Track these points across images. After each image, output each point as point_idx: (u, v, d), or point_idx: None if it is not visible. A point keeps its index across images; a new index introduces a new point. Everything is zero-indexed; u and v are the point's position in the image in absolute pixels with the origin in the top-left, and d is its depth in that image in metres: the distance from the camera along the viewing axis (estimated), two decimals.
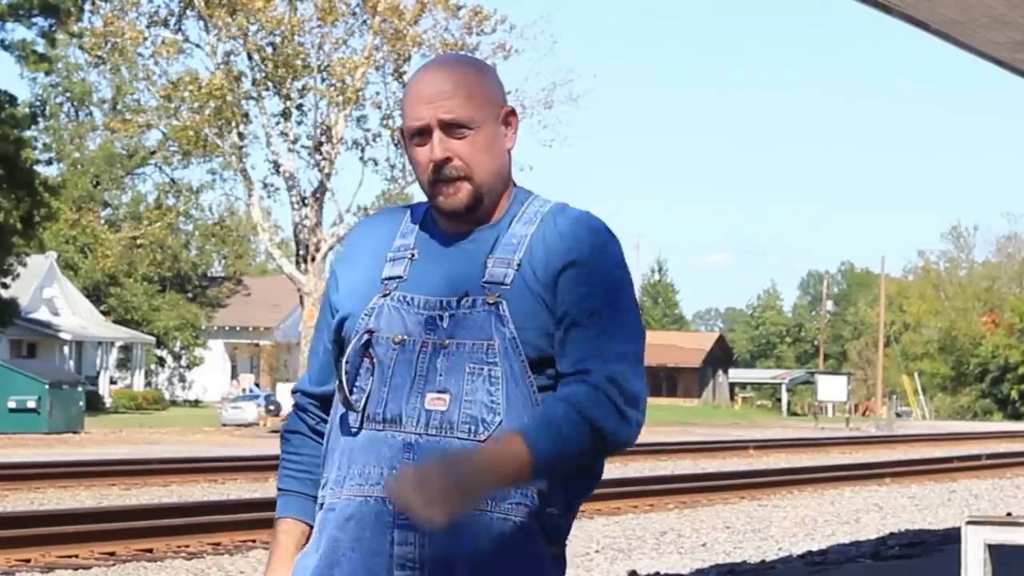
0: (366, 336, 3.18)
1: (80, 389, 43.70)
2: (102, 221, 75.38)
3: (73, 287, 69.75)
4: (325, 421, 3.34)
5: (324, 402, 3.35)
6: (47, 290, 65.55)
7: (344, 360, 3.19)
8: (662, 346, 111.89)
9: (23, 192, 50.13)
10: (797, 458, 37.50)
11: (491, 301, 3.14)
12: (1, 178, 49.36)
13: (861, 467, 31.51)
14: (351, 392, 3.19)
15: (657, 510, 21.52)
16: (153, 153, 75.34)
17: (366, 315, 3.21)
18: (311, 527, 3.31)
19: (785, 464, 33.61)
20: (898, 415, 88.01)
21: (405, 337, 3.16)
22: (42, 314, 64.67)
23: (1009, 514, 19.28)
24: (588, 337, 3.14)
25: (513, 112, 3.28)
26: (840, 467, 31.51)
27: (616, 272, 3.20)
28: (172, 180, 78.30)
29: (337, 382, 3.21)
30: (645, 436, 51.28)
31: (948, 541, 15.78)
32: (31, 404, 40.97)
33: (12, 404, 40.93)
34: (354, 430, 3.19)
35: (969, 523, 6.24)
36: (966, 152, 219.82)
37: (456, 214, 3.20)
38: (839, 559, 15.21)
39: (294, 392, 3.43)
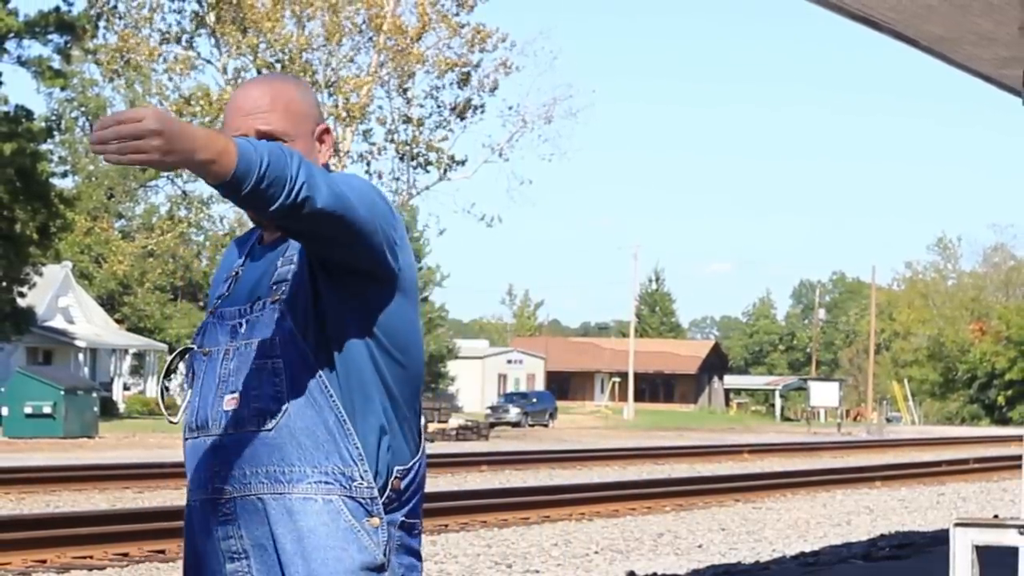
0: (188, 353, 3.34)
1: (94, 395, 43.66)
2: (116, 232, 75.38)
3: (88, 296, 69.73)
4: None
5: None
6: (63, 299, 65.53)
7: (163, 377, 3.41)
8: (659, 353, 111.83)
9: (39, 204, 50.09)
10: (790, 462, 37.48)
11: (274, 299, 3.25)
12: (18, 190, 49.33)
13: (852, 471, 31.50)
14: (167, 407, 3.37)
15: (654, 512, 21.50)
16: None
17: (197, 334, 3.35)
18: None
19: (779, 468, 33.59)
20: (888, 420, 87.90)
21: (212, 348, 3.29)
22: (58, 322, 64.65)
23: (996, 516, 19.26)
24: None
25: (328, 130, 3.37)
26: (832, 471, 31.49)
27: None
28: (184, 192, 78.16)
29: (162, 398, 3.43)
30: (643, 440, 51.33)
31: (937, 542, 15.76)
32: (47, 409, 40.92)
33: (28, 409, 40.88)
34: (185, 440, 3.34)
35: (957, 525, 6.24)
36: (953, 165, 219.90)
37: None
38: (831, 560, 15.20)
39: None
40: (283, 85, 3.33)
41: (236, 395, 3.21)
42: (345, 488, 3.19)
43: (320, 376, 3.20)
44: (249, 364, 3.22)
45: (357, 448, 3.21)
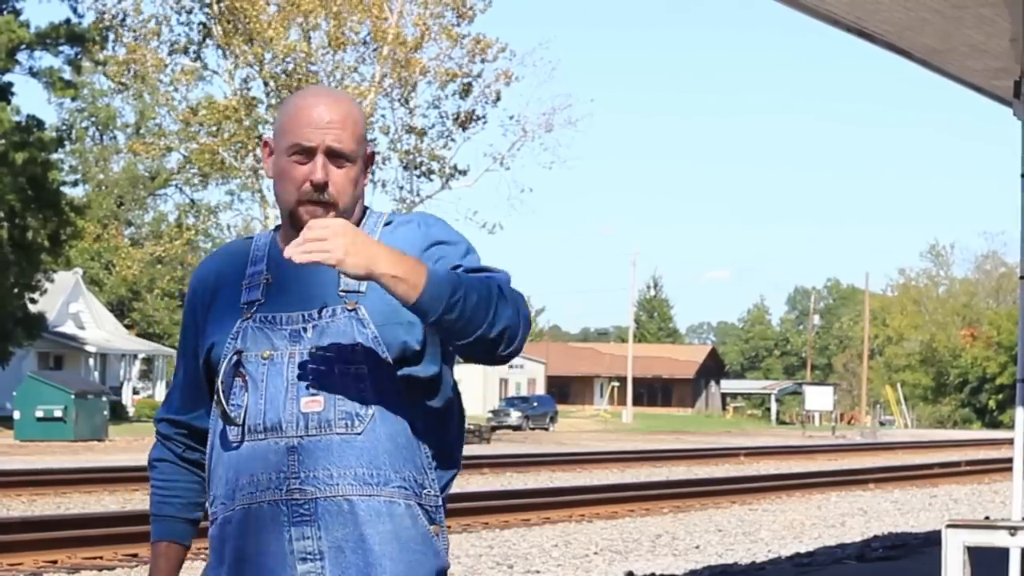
0: (235, 357, 3.25)
1: (104, 399, 43.67)
2: (125, 239, 75.46)
3: (98, 302, 69.76)
4: (192, 448, 3.42)
5: (189, 430, 3.42)
6: (73, 305, 65.55)
7: (219, 380, 3.26)
8: (657, 358, 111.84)
9: (50, 212, 50.14)
10: (785, 465, 37.48)
11: (350, 307, 3.22)
12: (30, 198, 49.37)
13: (846, 473, 31.49)
14: (228, 409, 3.25)
15: (653, 514, 21.49)
16: (174, 175, 75.48)
17: (232, 339, 3.27)
18: (185, 548, 3.43)
19: (774, 470, 33.58)
20: (882, 424, 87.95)
21: (272, 352, 3.24)
22: (68, 328, 64.67)
23: (987, 518, 19.25)
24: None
25: (372, 155, 3.36)
26: (826, 473, 31.48)
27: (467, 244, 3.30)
28: (192, 200, 78.37)
29: (216, 400, 3.27)
30: (641, 443, 51.31)
31: (929, 544, 15.76)
32: (58, 413, 40.94)
33: (40, 413, 40.91)
34: (236, 444, 3.25)
35: (949, 526, 6.24)
36: (945, 174, 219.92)
37: None
38: (826, 561, 15.20)
39: (158, 421, 3.47)
40: (350, 104, 3.29)
41: (318, 398, 3.20)
42: (417, 495, 3.23)
43: (399, 384, 3.23)
44: (331, 368, 3.20)
45: (427, 457, 3.26)
